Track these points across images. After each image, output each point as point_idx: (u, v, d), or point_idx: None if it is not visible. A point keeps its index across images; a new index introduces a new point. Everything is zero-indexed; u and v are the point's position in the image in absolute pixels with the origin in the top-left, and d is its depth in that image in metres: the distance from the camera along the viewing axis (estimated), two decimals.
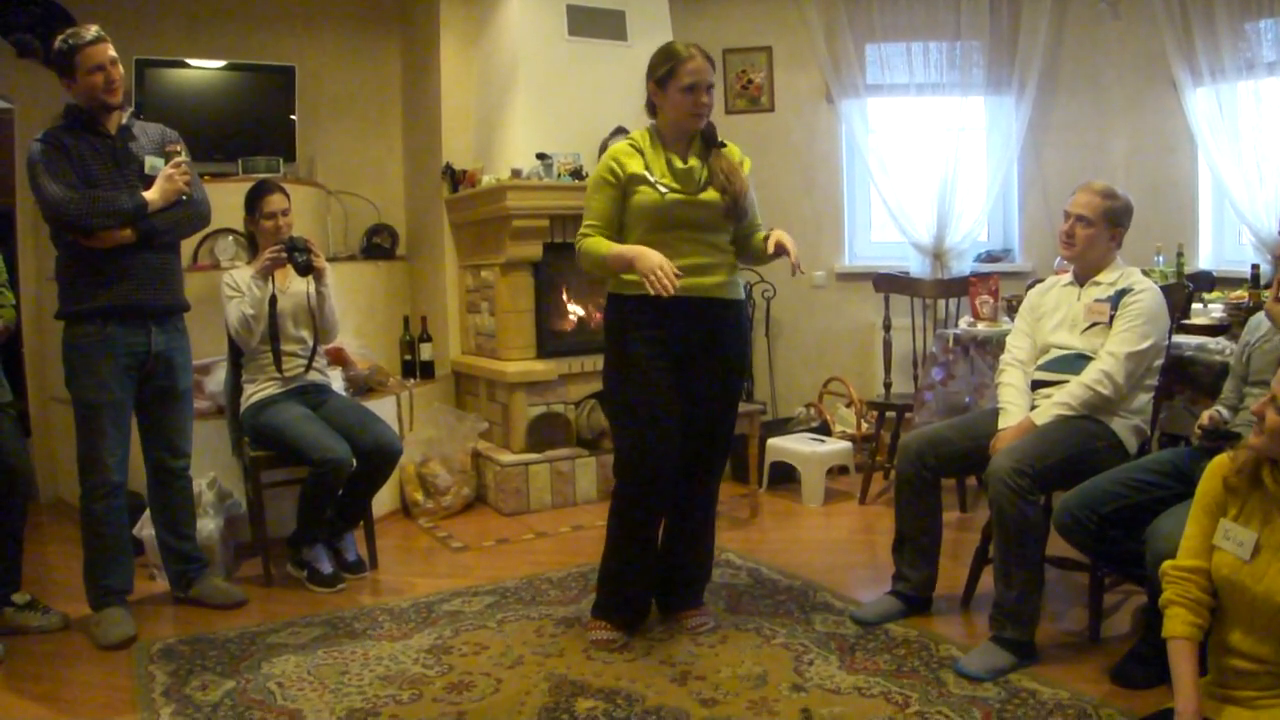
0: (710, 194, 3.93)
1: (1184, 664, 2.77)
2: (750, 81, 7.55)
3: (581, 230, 3.97)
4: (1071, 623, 4.14)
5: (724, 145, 4.06)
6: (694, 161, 3.97)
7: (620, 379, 4.03)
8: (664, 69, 3.88)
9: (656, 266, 3.63)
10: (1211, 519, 2.83)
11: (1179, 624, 2.80)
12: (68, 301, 4.23)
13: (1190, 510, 2.93)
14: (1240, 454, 2.81)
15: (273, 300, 4.89)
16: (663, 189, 3.87)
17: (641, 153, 3.95)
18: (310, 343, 5.08)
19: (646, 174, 3.89)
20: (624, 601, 4.13)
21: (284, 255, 4.86)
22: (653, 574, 4.20)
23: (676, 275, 3.63)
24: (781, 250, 3.89)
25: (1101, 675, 3.58)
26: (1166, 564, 2.90)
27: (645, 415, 3.94)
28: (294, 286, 5.03)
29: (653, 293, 3.63)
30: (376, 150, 7.52)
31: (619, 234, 3.94)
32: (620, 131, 6.05)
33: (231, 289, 4.91)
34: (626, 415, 4.02)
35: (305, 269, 4.91)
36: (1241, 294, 4.87)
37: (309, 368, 5.04)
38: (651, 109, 4.02)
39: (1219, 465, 2.87)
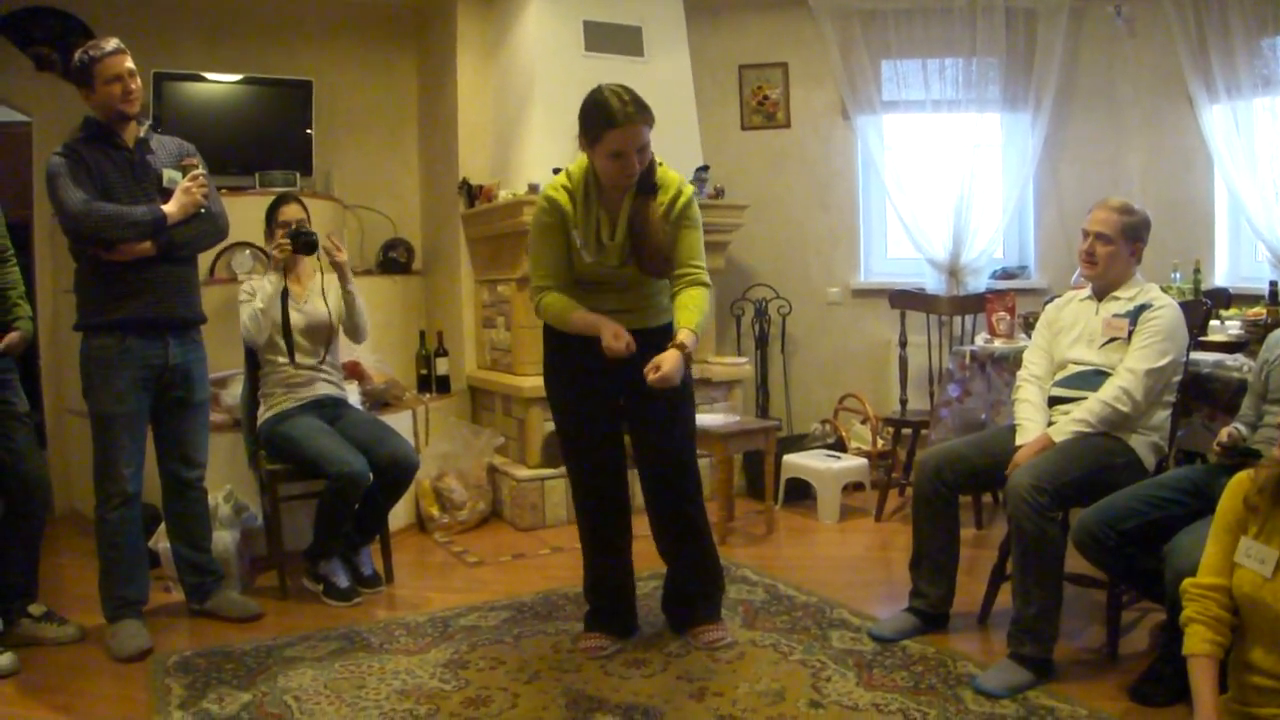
0: (629, 269, 3.88)
1: (1204, 682, 2.76)
2: (766, 98, 7.56)
3: (536, 284, 3.90)
4: (1089, 640, 4.12)
5: (656, 191, 3.86)
6: (620, 235, 3.84)
7: (555, 392, 4.11)
8: (592, 134, 3.71)
9: (610, 342, 3.69)
10: (1232, 536, 2.82)
11: (1199, 642, 2.79)
12: (86, 314, 4.26)
13: (1210, 528, 2.92)
14: (1261, 472, 2.80)
15: (285, 295, 4.91)
16: (587, 257, 3.84)
17: (574, 199, 3.83)
18: (323, 356, 5.10)
19: (574, 232, 3.83)
20: (606, 611, 4.22)
21: (288, 244, 4.89)
22: (630, 584, 4.28)
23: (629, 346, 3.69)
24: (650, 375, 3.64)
25: (1120, 693, 3.56)
26: (1187, 582, 2.89)
27: (582, 436, 4.08)
28: (312, 305, 5.06)
29: (609, 356, 3.70)
30: (393, 165, 7.54)
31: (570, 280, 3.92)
32: None
33: (248, 294, 4.94)
34: (563, 429, 4.14)
35: (309, 247, 4.95)
36: (1259, 310, 4.85)
37: (315, 383, 5.06)
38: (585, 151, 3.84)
39: (1239, 483, 2.86)
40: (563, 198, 3.82)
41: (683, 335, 3.74)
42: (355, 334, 5.22)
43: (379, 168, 7.47)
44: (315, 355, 5.07)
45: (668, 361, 3.63)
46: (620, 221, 3.84)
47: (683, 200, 3.90)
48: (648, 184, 3.85)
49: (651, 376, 3.61)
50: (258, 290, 4.92)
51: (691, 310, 3.82)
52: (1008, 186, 7.26)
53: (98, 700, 3.79)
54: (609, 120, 3.64)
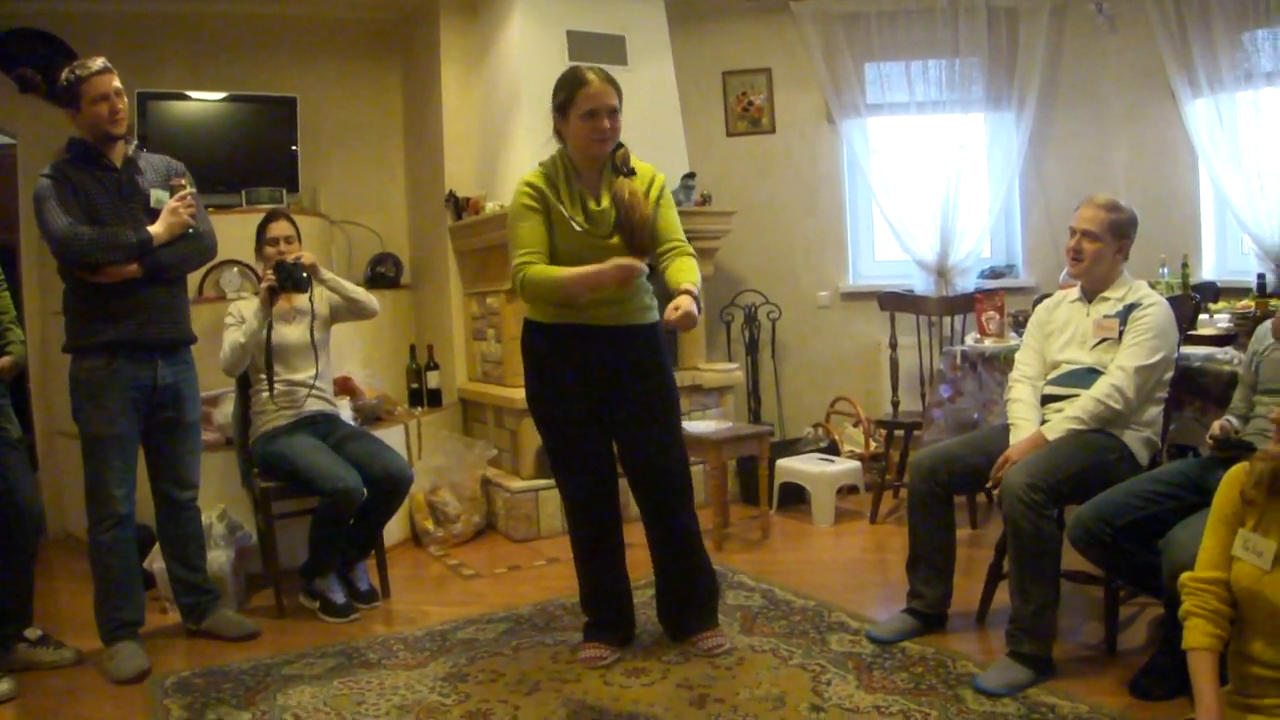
0: (616, 239, 3.87)
1: (1205, 675, 2.76)
2: (751, 104, 7.57)
3: (518, 260, 3.85)
4: (1088, 636, 4.13)
5: (633, 172, 3.93)
6: (605, 202, 3.89)
7: (539, 406, 4.11)
8: (562, 95, 3.84)
9: (623, 262, 3.71)
10: (1230, 529, 2.82)
11: (1199, 635, 2.79)
12: (75, 335, 4.24)
13: (1208, 521, 2.92)
14: (1256, 466, 2.80)
15: (269, 327, 4.86)
16: (576, 226, 3.84)
17: (554, 183, 3.89)
18: (310, 384, 5.05)
19: (560, 206, 3.85)
20: (603, 621, 4.23)
21: (276, 283, 4.81)
22: (625, 593, 4.29)
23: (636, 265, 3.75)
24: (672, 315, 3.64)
25: (1120, 688, 3.57)
26: (1185, 575, 2.88)
27: (567, 443, 4.08)
28: (293, 331, 5.04)
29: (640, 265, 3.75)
30: (379, 179, 7.53)
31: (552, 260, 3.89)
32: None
33: (233, 319, 4.92)
34: (550, 443, 4.14)
35: (301, 285, 4.87)
36: (1247, 303, 4.87)
37: (306, 400, 5.03)
38: (560, 136, 3.95)
39: (1235, 476, 2.86)
40: (542, 181, 3.89)
41: (686, 285, 3.76)
42: (361, 312, 5.20)
43: (365, 183, 7.46)
44: (303, 372, 5.03)
45: (684, 301, 3.64)
46: (603, 193, 3.91)
47: (658, 183, 4.01)
48: (626, 167, 3.93)
49: (672, 316, 3.61)
50: (245, 315, 4.89)
51: (688, 271, 3.86)
52: (994, 186, 7.28)
53: None
54: (581, 81, 3.80)
